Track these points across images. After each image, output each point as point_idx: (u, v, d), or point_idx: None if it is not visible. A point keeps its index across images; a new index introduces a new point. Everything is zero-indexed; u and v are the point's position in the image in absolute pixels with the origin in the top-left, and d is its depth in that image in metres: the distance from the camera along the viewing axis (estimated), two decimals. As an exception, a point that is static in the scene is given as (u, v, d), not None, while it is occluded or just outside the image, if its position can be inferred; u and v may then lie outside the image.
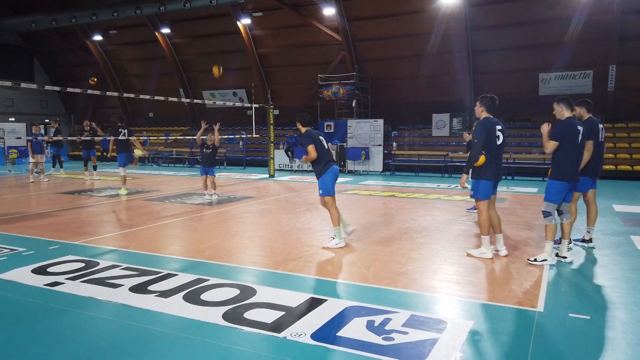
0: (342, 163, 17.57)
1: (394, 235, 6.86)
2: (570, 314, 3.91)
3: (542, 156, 15.16)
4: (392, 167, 17.23)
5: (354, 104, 19.16)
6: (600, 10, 15.75)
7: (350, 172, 17.30)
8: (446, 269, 5.21)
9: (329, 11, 18.94)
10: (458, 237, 6.74)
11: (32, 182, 13.64)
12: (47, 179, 14.44)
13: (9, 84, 9.40)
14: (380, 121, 17.86)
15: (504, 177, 15.49)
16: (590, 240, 6.14)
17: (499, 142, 5.41)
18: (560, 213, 5.42)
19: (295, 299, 4.17)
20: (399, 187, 12.91)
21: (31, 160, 14.10)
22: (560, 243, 5.54)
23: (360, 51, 19.99)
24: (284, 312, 3.87)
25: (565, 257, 5.43)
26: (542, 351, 3.27)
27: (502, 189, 12.51)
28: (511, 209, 9.14)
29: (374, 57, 19.96)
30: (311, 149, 5.94)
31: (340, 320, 3.74)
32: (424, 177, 15.84)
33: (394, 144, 18.56)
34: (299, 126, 6.30)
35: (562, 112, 5.26)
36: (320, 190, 6.12)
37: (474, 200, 5.56)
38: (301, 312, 3.87)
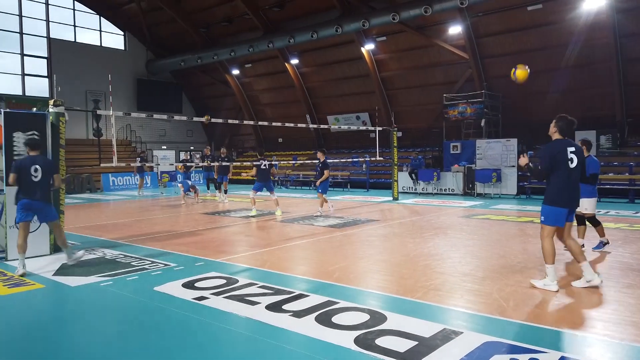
0: (470, 185, 16.76)
1: (535, 265, 6.28)
2: None
3: None
4: (529, 190, 15.93)
5: (482, 124, 18.26)
6: None
7: (480, 196, 16.39)
8: (601, 306, 4.61)
9: (455, 29, 18.48)
10: (613, 270, 5.95)
11: (183, 203, 15.14)
12: (200, 201, 15.75)
13: (164, 116, 10.69)
14: (514, 140, 16.73)
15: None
16: None
17: (573, 164, 5.00)
18: None
19: (427, 328, 4.01)
20: (538, 212, 11.84)
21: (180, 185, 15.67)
22: None
23: (489, 68, 19.10)
24: (416, 342, 3.73)
25: None
26: None
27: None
28: (680, 240, 7.83)
29: (504, 74, 18.81)
30: (11, 177, 6.17)
31: (478, 356, 3.49)
32: (565, 201, 14.35)
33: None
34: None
35: None
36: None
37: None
38: (435, 344, 3.70)
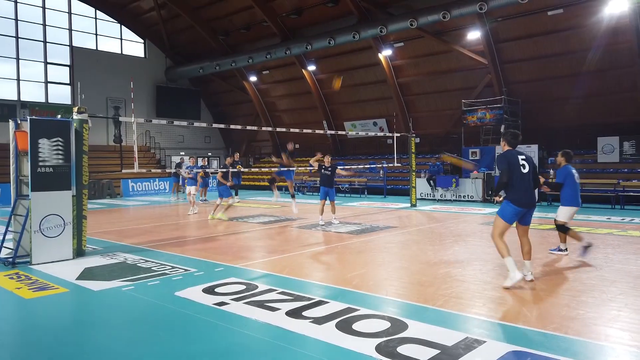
0: (490, 192, 16.55)
1: (559, 274, 6.17)
2: None
3: None
4: (549, 197, 15.66)
5: (502, 129, 18.02)
6: None
7: (500, 202, 16.14)
8: (628, 316, 4.50)
9: (474, 35, 18.34)
10: (638, 280, 5.79)
11: (189, 214, 14.00)
12: (191, 212, 14.16)
13: (185, 123, 10.81)
14: (534, 147, 16.49)
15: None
16: None
17: (525, 170, 5.57)
18: None
19: (449, 337, 3.96)
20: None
21: (187, 191, 15.14)
22: None
23: (509, 73, 18.90)
24: (439, 351, 3.69)
25: None
26: None
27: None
28: None
29: (524, 79, 18.70)
30: None
31: (503, 365, 3.43)
32: (589, 209, 14.05)
33: (551, 171, 16.93)
34: None
35: None
36: None
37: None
38: (458, 353, 3.65)
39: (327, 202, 11.34)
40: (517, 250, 6.08)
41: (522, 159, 5.65)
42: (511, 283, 5.41)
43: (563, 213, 7.16)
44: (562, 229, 7.17)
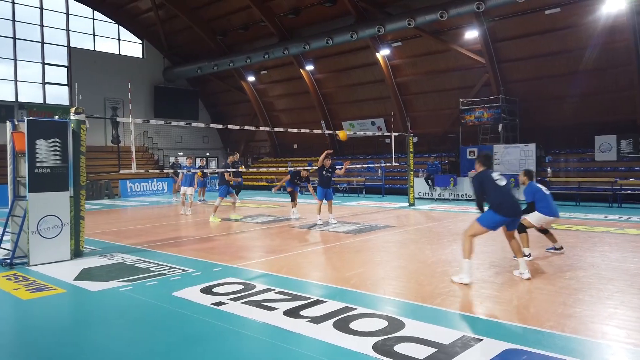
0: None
1: (555, 272, 6.18)
2: None
3: None
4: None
5: (500, 128, 18.08)
6: None
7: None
8: (624, 313, 4.51)
9: (472, 34, 18.36)
10: (636, 277, 5.82)
11: (188, 214, 13.80)
12: (189, 213, 13.93)
13: (182, 123, 10.82)
14: (532, 145, 16.53)
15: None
16: None
17: (503, 183, 5.81)
18: None
19: (446, 335, 3.97)
20: (558, 219, 11.66)
21: (182, 192, 14.74)
22: None
23: (507, 72, 18.93)
24: (435, 349, 3.69)
25: None
26: None
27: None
28: None
29: (522, 78, 18.73)
30: None
31: (499, 363, 3.44)
32: (587, 207, 14.11)
33: (549, 170, 16.97)
34: None
35: None
36: None
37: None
38: (455, 351, 3.66)
39: (324, 202, 11.43)
40: (510, 251, 6.13)
41: (497, 175, 5.92)
42: (457, 280, 5.69)
43: (535, 217, 7.14)
44: (522, 227, 7.04)
